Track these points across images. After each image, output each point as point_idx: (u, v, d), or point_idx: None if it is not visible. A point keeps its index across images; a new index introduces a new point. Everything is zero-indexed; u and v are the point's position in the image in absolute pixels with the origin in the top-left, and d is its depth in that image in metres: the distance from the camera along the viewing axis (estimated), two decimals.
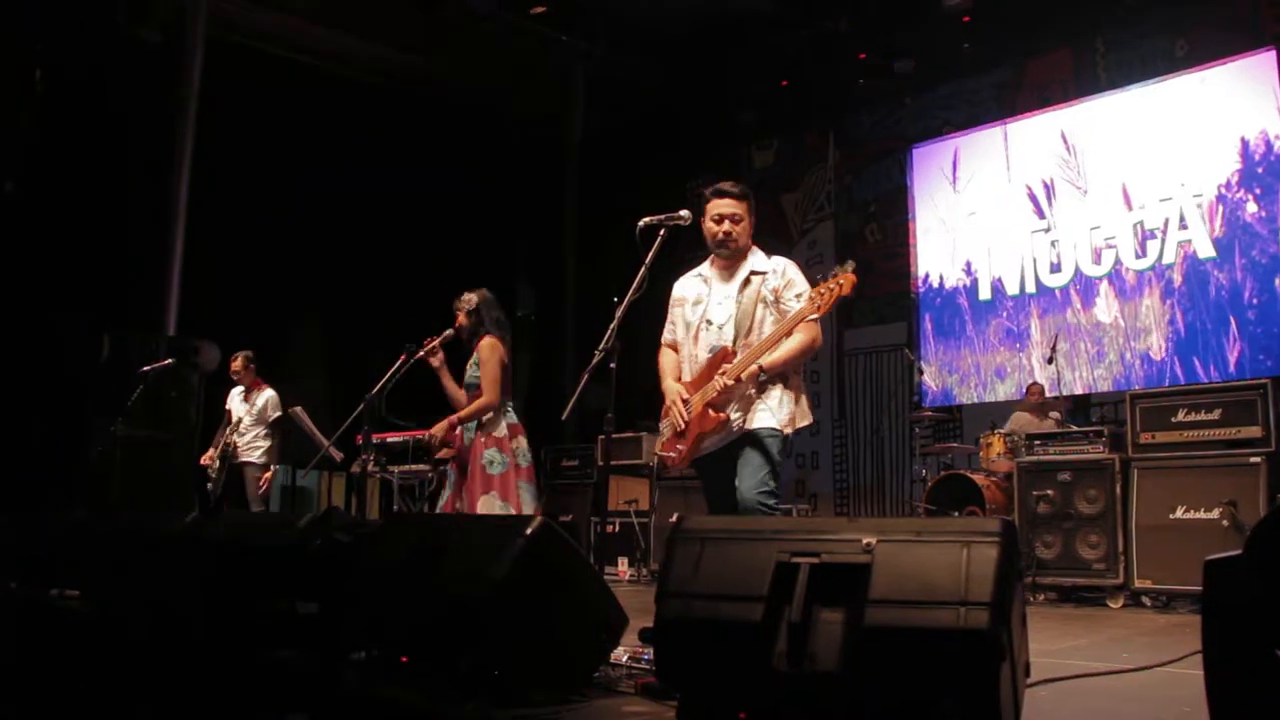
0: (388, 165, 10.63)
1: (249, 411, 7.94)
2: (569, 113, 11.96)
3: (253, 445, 7.88)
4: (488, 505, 4.94)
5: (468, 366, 5.28)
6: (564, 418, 3.84)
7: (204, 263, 9.37)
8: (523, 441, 5.22)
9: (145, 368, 7.73)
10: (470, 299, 5.31)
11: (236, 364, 8.06)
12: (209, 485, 7.91)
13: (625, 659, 3.33)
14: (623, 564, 8.85)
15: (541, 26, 10.43)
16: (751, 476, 3.75)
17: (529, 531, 2.91)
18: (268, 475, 7.89)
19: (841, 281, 3.67)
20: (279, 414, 7.89)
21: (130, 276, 9.17)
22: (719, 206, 3.99)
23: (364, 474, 6.69)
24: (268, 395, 8.00)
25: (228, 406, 8.07)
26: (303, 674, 2.86)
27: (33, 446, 7.97)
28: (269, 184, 9.99)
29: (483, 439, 5.08)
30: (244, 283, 9.70)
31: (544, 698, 2.77)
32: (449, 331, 5.37)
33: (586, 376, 3.63)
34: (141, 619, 3.59)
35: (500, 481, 5.01)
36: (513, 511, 4.92)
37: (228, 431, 7.89)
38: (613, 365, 3.68)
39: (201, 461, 7.95)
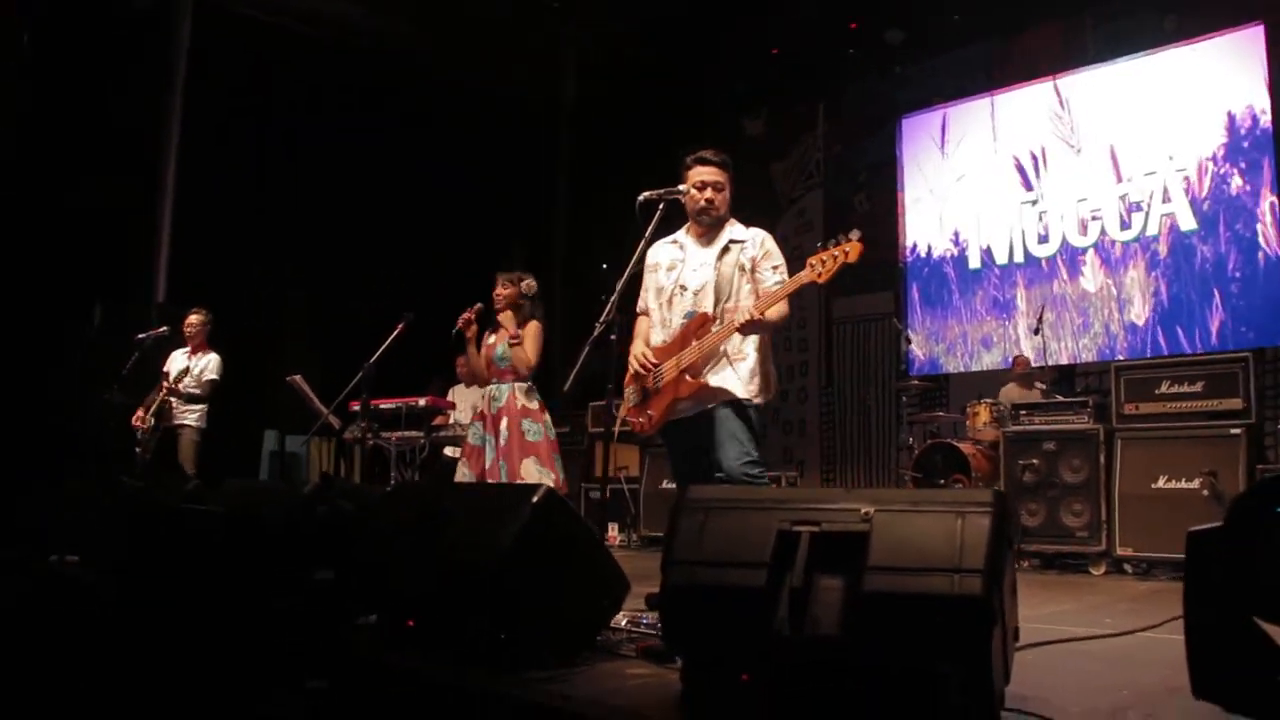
0: (377, 133, 10.61)
1: (191, 372, 7.66)
2: (559, 82, 11.94)
3: (189, 408, 7.60)
4: (529, 469, 5.25)
5: (499, 343, 5.54)
6: (566, 389, 3.90)
7: (194, 231, 9.37)
8: (548, 418, 5.54)
9: (141, 335, 7.71)
10: (529, 284, 5.56)
11: (196, 319, 7.78)
12: (137, 449, 7.57)
13: (625, 623, 3.42)
14: (613, 530, 8.97)
15: None
16: (733, 449, 3.76)
17: (535, 500, 3.00)
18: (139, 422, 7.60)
19: (848, 249, 3.59)
20: (216, 378, 7.68)
21: (120, 245, 9.15)
22: (701, 174, 3.99)
23: (361, 439, 6.77)
24: (212, 358, 7.75)
25: (165, 369, 7.74)
26: (318, 640, 2.95)
27: (28, 416, 7.97)
28: (258, 150, 10.00)
29: (519, 409, 5.39)
30: (234, 250, 9.72)
31: (549, 662, 2.86)
32: (479, 305, 5.64)
33: (588, 348, 3.69)
34: (150, 589, 3.66)
35: (536, 448, 5.33)
36: (551, 476, 5.24)
37: (164, 392, 7.57)
38: (613, 337, 3.74)
39: (133, 423, 7.58)
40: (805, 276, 3.68)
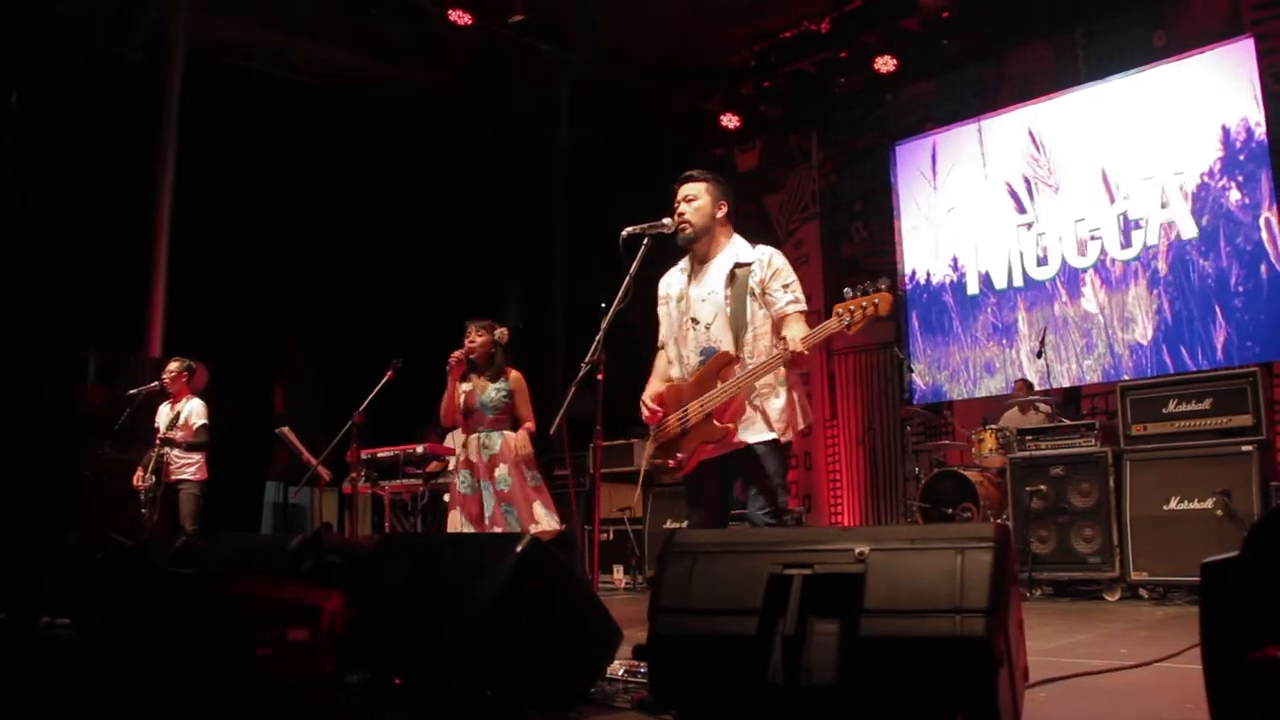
0: (373, 178, 10.61)
1: (175, 423, 7.42)
2: (552, 122, 11.93)
3: (185, 463, 7.35)
4: (539, 513, 5.53)
5: (487, 388, 5.72)
6: (552, 432, 3.80)
7: (189, 281, 9.33)
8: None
9: (132, 390, 7.62)
10: (503, 332, 5.80)
11: (175, 366, 7.53)
12: (143, 510, 7.26)
13: (621, 673, 3.29)
14: (618, 572, 8.82)
15: (521, 36, 10.39)
16: (757, 498, 3.64)
17: (519, 549, 2.89)
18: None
19: (877, 301, 3.45)
20: (205, 421, 7.43)
21: (113, 297, 9.10)
22: (679, 193, 3.93)
23: (355, 492, 6.69)
24: (195, 402, 7.51)
25: (156, 424, 7.55)
26: (303, 702, 2.83)
27: (18, 470, 7.87)
28: (253, 199, 9.96)
29: (521, 456, 5.63)
30: (230, 300, 9.67)
31: (540, 716, 2.75)
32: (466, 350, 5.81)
33: (574, 389, 3.59)
34: (137, 649, 3.55)
35: (540, 493, 5.61)
36: (554, 519, 5.55)
37: (158, 445, 7.33)
38: (600, 376, 3.64)
39: (134, 483, 7.29)
40: (833, 326, 3.52)
